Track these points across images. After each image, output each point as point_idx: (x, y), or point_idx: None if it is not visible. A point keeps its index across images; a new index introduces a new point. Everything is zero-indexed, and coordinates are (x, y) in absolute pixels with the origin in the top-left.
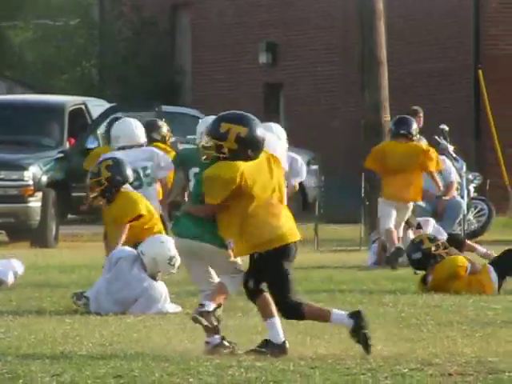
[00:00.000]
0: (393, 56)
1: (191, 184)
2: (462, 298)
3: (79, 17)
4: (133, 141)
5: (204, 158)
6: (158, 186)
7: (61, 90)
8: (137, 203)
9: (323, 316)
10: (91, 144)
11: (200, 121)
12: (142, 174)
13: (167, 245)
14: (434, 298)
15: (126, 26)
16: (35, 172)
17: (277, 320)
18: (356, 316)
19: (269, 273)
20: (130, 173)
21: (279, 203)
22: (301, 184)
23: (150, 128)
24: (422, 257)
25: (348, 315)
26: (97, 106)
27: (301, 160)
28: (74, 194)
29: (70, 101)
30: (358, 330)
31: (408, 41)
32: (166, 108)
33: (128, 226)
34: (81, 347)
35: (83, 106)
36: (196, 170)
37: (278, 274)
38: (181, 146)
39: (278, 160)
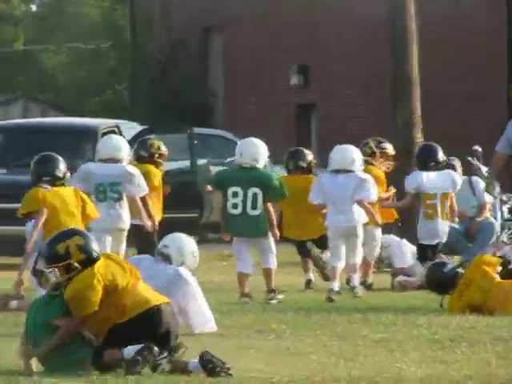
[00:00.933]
0: (426, 76)
1: (229, 204)
2: (495, 320)
3: (111, 39)
4: (110, 155)
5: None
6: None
7: (92, 112)
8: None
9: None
10: None
11: (239, 142)
12: (108, 189)
13: (188, 239)
14: (468, 319)
15: (157, 49)
16: None
17: None
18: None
19: None
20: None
21: None
22: None
23: (139, 145)
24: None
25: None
26: (129, 129)
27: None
28: None
29: (103, 123)
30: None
31: (441, 62)
32: (197, 130)
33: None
34: None
35: (116, 129)
36: (234, 189)
37: None
38: (212, 168)
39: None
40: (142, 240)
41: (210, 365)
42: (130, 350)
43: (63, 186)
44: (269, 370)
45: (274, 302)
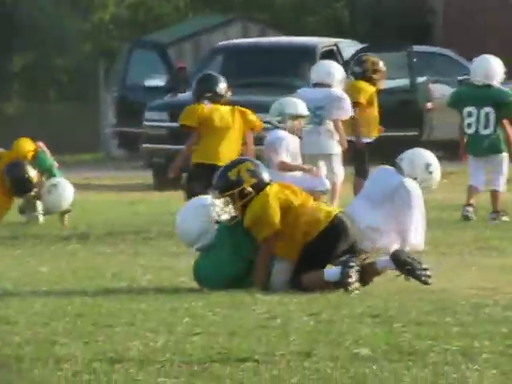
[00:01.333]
0: None
1: (464, 123)
2: None
3: None
4: (321, 80)
5: (231, 222)
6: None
7: (312, 31)
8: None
9: None
10: None
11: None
12: (312, 114)
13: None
14: None
15: None
16: None
17: None
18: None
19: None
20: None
21: None
22: None
23: (355, 62)
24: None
25: None
26: (348, 47)
27: None
28: None
29: (321, 42)
30: None
31: None
32: (417, 48)
33: None
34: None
35: (335, 48)
36: (469, 108)
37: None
38: (431, 86)
39: None
40: (355, 159)
41: (407, 266)
42: (331, 273)
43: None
44: (491, 286)
45: (496, 222)
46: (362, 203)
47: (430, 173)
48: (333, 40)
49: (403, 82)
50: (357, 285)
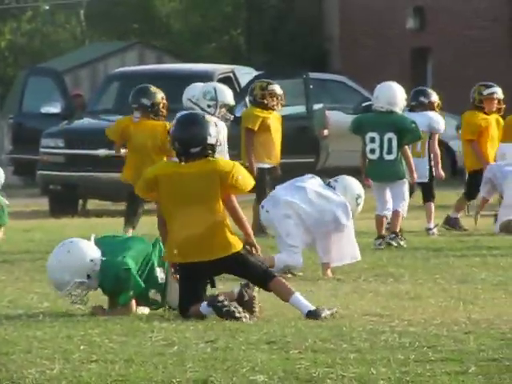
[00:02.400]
0: None
1: (367, 148)
2: None
3: None
4: None
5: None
6: None
7: (209, 58)
8: None
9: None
10: (239, 112)
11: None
12: None
13: (358, 184)
14: None
15: None
16: None
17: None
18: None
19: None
20: None
21: (204, 216)
22: (450, 149)
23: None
24: None
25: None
26: (245, 74)
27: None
28: None
29: (219, 69)
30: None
31: None
32: (313, 75)
33: None
34: None
35: (231, 74)
36: (371, 134)
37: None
38: (328, 113)
39: (225, 175)
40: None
41: (224, 309)
42: (205, 309)
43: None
44: (387, 313)
45: (393, 243)
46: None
47: (358, 204)
48: (229, 67)
49: (299, 108)
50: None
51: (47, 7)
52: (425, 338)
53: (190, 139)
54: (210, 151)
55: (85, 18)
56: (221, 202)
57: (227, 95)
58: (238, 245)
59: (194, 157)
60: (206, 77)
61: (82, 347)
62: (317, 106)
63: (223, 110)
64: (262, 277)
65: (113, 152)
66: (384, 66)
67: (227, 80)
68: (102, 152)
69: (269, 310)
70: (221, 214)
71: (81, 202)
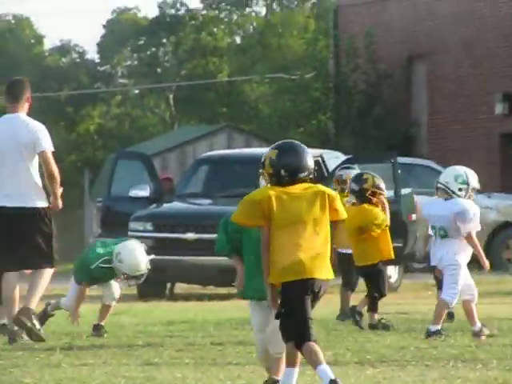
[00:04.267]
0: None
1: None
2: None
3: (314, 70)
4: None
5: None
6: None
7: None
8: None
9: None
10: None
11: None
12: None
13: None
14: None
15: (361, 79)
16: None
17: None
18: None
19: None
20: None
21: (313, 236)
22: None
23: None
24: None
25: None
26: (333, 158)
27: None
28: None
29: None
30: None
31: None
32: (401, 159)
33: None
34: None
35: (319, 159)
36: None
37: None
38: (416, 197)
39: (330, 197)
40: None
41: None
42: None
43: None
44: None
45: (482, 337)
46: None
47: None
48: (317, 151)
49: (388, 193)
50: None
51: (137, 91)
52: None
53: (299, 165)
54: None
55: (174, 102)
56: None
57: (476, 179)
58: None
59: (301, 181)
60: None
61: None
62: (405, 191)
63: (472, 194)
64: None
65: (202, 235)
66: (471, 150)
67: (316, 164)
68: (189, 236)
69: None
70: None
71: (168, 285)
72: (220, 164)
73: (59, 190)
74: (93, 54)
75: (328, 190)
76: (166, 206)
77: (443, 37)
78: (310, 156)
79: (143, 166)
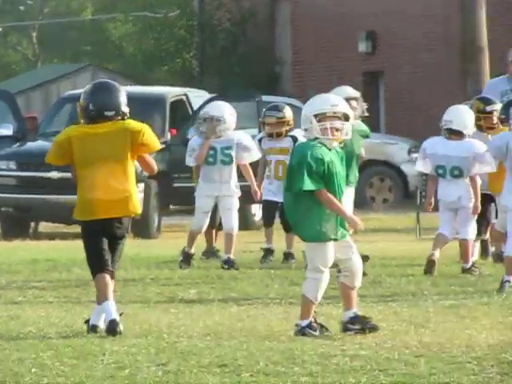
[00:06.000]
0: (495, 42)
1: None
2: None
3: (179, 8)
4: None
5: None
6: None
7: (161, 81)
8: None
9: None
10: (192, 134)
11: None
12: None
13: None
14: None
15: (225, 17)
16: (136, 163)
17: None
18: None
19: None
20: None
21: (115, 174)
22: (402, 172)
23: None
24: None
25: None
26: (197, 97)
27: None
28: (175, 185)
29: (171, 92)
30: None
31: (510, 26)
32: (265, 98)
33: None
34: (186, 336)
35: (184, 97)
36: None
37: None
38: None
39: (135, 133)
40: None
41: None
42: None
43: None
44: (339, 337)
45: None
46: None
47: None
48: (182, 90)
49: (252, 131)
50: None
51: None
52: (376, 361)
53: (105, 103)
54: (122, 118)
55: (37, 40)
56: (132, 162)
57: None
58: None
59: (107, 120)
60: (158, 100)
61: (33, 370)
62: None
63: None
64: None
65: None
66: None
67: (180, 103)
68: (53, 174)
69: (221, 332)
70: (133, 173)
71: (32, 224)
72: None
73: None
74: None
75: (133, 127)
76: (29, 144)
77: None
78: (122, 98)
79: (6, 105)
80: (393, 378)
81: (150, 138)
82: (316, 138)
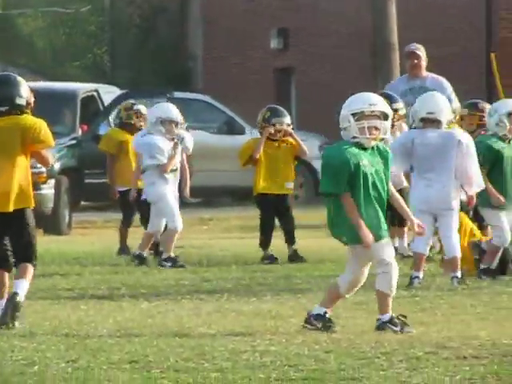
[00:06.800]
0: (405, 40)
1: None
2: (475, 282)
3: (90, 4)
4: None
5: None
6: None
7: (72, 77)
8: None
9: None
10: (103, 130)
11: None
12: None
13: None
14: (447, 281)
15: (136, 13)
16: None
17: None
18: None
19: None
20: None
21: (7, 169)
22: (313, 168)
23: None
24: None
25: None
26: (108, 93)
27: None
28: (86, 181)
29: (82, 88)
30: None
31: (421, 24)
32: (177, 94)
33: None
34: (95, 333)
35: (95, 93)
36: None
37: None
38: (191, 133)
39: (29, 130)
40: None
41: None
42: None
43: None
44: (249, 332)
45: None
46: None
47: None
48: (93, 85)
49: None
50: None
51: None
52: (286, 356)
53: None
54: (18, 111)
55: None
56: (25, 157)
57: None
58: (32, 202)
59: (2, 115)
60: (69, 96)
61: None
62: None
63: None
64: (25, 251)
65: None
66: (247, 85)
67: (91, 99)
68: None
69: (131, 328)
70: (25, 167)
71: None
72: None
73: None
74: None
75: (25, 123)
76: None
77: None
78: (18, 91)
79: None
80: (303, 373)
81: (44, 134)
82: (354, 137)
